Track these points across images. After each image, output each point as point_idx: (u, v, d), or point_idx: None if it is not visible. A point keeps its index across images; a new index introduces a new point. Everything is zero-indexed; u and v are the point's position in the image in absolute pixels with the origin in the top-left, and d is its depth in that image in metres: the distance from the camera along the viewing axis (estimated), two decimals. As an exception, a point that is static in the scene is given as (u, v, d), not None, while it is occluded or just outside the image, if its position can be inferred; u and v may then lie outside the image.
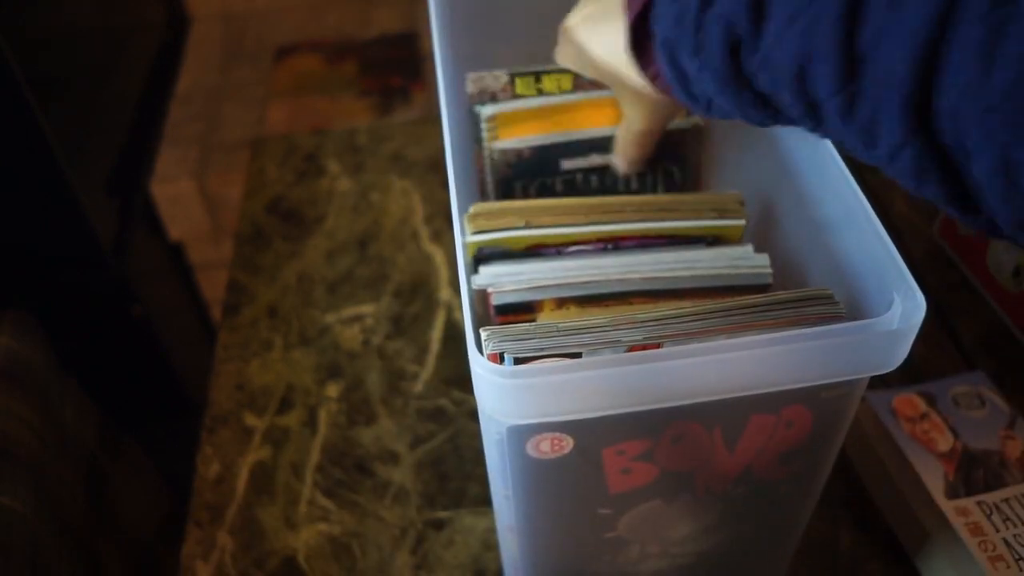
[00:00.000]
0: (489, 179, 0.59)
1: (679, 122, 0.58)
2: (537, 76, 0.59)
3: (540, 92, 0.59)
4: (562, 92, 0.59)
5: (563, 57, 0.53)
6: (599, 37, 0.48)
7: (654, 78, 0.44)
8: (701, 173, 0.62)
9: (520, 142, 0.57)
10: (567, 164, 0.58)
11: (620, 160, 0.56)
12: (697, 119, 0.58)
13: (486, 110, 0.58)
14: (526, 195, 0.59)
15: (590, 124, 0.58)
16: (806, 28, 0.32)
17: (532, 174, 0.59)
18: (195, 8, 1.30)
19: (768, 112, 0.38)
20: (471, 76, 0.59)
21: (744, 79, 0.37)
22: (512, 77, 0.59)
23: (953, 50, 0.29)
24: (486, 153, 0.58)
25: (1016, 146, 0.28)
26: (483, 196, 0.61)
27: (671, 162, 0.60)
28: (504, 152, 0.57)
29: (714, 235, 0.52)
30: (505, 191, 0.59)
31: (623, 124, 0.54)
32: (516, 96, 0.59)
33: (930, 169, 0.32)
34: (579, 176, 0.59)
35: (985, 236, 0.35)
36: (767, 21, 0.34)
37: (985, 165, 0.30)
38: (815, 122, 0.35)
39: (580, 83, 0.58)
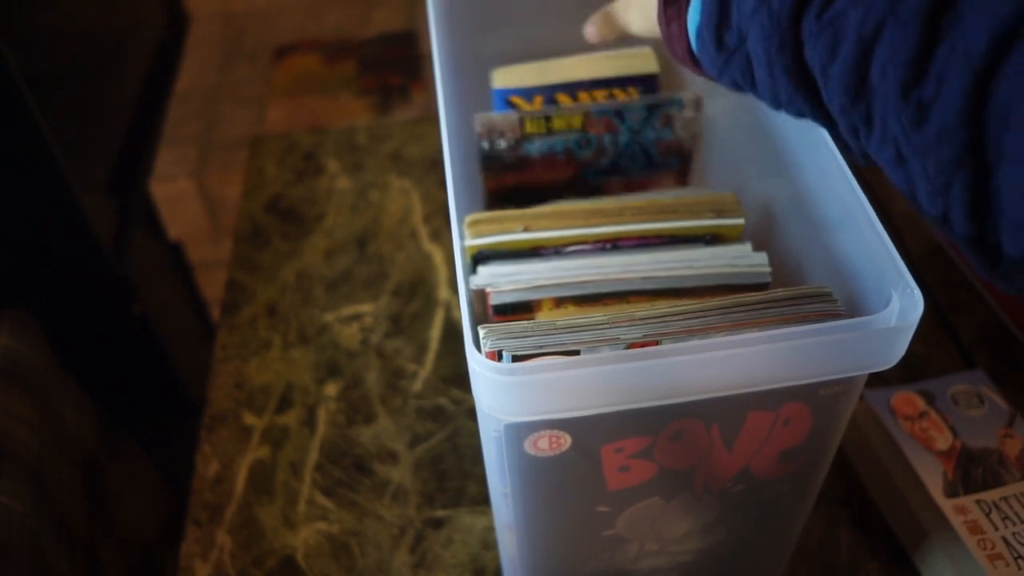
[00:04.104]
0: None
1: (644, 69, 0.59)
2: (547, 118, 0.58)
3: (550, 131, 0.58)
4: (572, 131, 0.58)
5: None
6: None
7: (671, 36, 0.43)
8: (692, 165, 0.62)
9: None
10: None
11: (592, 30, 0.54)
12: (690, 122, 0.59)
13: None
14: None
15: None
16: None
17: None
18: (195, 8, 1.30)
19: (792, 83, 0.37)
20: (478, 117, 0.58)
21: (797, 39, 0.36)
22: (521, 119, 0.58)
23: None
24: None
25: None
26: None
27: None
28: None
29: (713, 234, 0.52)
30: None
31: (619, 14, 0.52)
32: (525, 136, 0.58)
33: (965, 165, 0.31)
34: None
35: (981, 273, 0.35)
36: None
37: (1018, 171, 0.29)
38: (850, 99, 0.34)
39: (590, 121, 0.58)
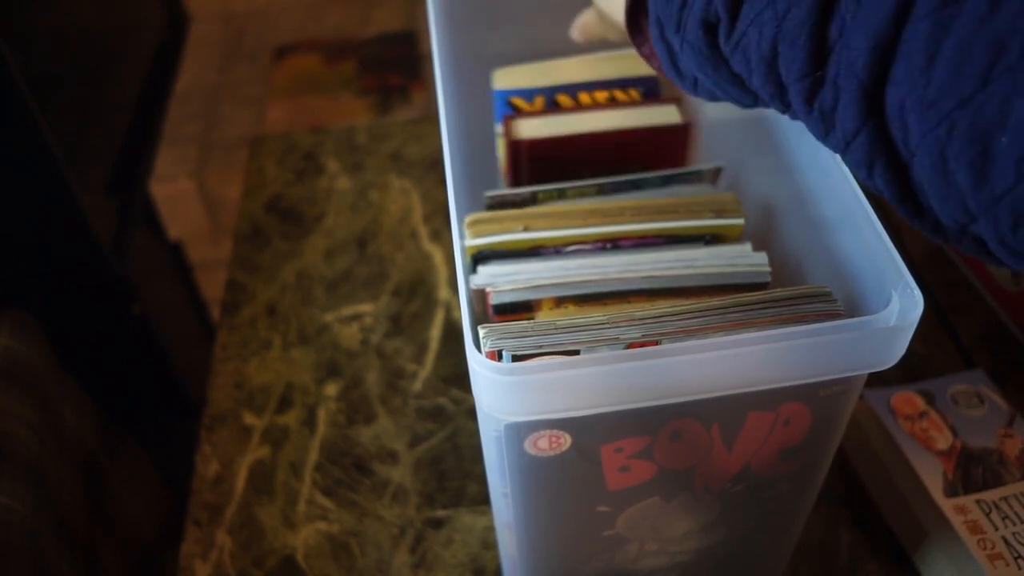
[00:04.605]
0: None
1: (666, 120, 0.58)
2: (561, 192, 0.56)
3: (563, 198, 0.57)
4: (584, 196, 0.57)
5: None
6: None
7: (648, 56, 0.45)
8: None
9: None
10: None
11: (577, 32, 0.55)
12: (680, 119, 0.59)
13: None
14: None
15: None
16: (782, 14, 0.34)
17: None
18: (195, 8, 1.30)
19: (746, 91, 0.39)
20: (488, 193, 0.56)
21: (721, 57, 0.38)
22: (534, 194, 0.56)
23: (905, 44, 0.30)
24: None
25: (950, 143, 0.29)
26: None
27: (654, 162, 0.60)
28: None
29: (713, 234, 0.52)
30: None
31: (611, 15, 0.51)
32: (536, 201, 0.56)
33: (880, 161, 0.32)
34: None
35: (935, 240, 0.36)
36: (744, 5, 0.35)
37: (925, 162, 0.30)
38: (783, 105, 0.36)
39: (603, 188, 0.57)
